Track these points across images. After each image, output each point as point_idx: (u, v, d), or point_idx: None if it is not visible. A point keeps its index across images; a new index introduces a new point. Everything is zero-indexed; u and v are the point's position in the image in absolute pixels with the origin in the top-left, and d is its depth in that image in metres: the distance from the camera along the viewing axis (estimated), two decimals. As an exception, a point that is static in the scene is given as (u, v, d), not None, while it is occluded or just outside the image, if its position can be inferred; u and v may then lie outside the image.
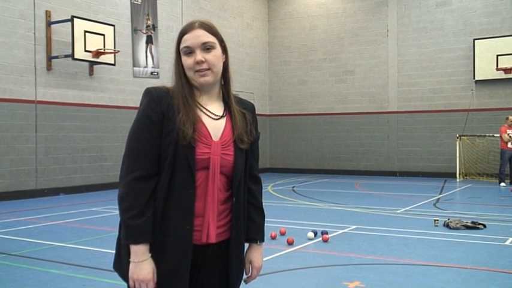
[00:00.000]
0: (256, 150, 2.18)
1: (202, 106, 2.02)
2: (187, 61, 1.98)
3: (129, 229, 1.90)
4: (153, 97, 1.96)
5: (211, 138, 1.98)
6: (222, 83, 2.09)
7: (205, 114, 2.01)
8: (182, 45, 2.00)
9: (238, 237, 2.06)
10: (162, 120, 1.94)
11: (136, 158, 1.93)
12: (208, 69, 1.98)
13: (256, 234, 2.16)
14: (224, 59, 2.05)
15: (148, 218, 1.90)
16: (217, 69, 2.01)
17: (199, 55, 1.96)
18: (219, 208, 2.01)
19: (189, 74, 1.99)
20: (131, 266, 1.91)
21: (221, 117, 2.04)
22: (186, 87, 1.99)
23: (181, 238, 1.93)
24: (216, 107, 2.05)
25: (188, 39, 1.98)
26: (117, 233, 2.04)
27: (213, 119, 2.02)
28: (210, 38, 1.99)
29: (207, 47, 1.98)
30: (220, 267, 2.06)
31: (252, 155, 2.14)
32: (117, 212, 1.98)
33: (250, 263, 2.16)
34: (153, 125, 1.93)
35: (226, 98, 2.09)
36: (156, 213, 1.93)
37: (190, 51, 1.98)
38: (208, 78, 1.99)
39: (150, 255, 1.92)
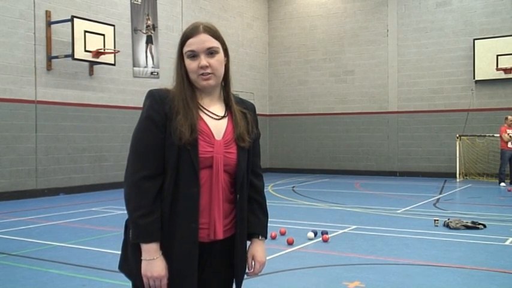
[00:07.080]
0: (258, 148, 2.23)
1: (204, 107, 2.07)
2: (191, 65, 2.02)
3: (139, 228, 1.93)
4: (156, 99, 2.01)
5: (214, 137, 2.03)
6: (223, 84, 2.13)
7: (207, 115, 2.06)
8: (186, 49, 2.03)
9: (242, 233, 2.11)
10: (165, 120, 1.98)
11: (142, 158, 1.97)
12: (212, 73, 2.02)
13: (259, 229, 2.19)
14: (225, 62, 2.10)
15: (157, 217, 1.94)
16: (220, 73, 2.06)
17: (204, 60, 2.01)
18: (223, 205, 2.05)
19: (192, 76, 2.04)
20: (143, 264, 1.94)
21: (222, 117, 2.09)
22: (188, 89, 2.04)
23: (187, 236, 1.96)
24: (217, 108, 2.10)
25: (193, 44, 2.02)
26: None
27: (214, 119, 2.06)
28: (215, 43, 2.04)
29: (211, 52, 2.02)
30: (225, 263, 2.11)
31: (254, 153, 2.19)
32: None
33: (253, 257, 2.17)
34: (157, 126, 1.97)
35: (226, 99, 2.13)
36: (163, 212, 1.96)
37: (194, 55, 2.02)
38: (211, 81, 2.04)
39: (161, 252, 1.95)
